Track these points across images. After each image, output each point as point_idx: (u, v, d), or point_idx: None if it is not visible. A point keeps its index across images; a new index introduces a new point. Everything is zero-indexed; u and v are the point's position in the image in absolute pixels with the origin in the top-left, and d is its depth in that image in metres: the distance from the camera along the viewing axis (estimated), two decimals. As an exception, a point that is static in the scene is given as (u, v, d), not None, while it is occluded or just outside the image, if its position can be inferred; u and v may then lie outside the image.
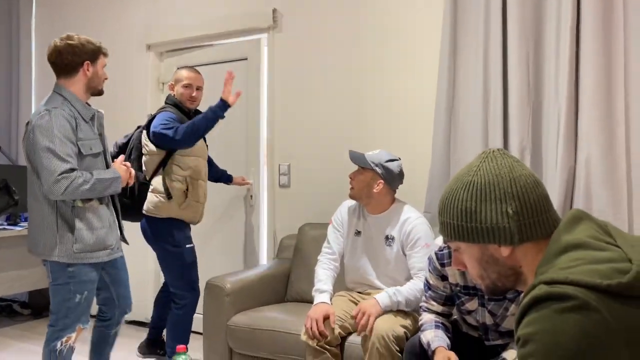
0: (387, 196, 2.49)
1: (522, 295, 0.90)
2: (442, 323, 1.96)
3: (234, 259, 3.62)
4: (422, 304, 2.05)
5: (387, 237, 2.46)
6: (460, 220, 1.03)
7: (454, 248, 1.10)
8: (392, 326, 2.19)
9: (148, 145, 2.87)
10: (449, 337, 1.92)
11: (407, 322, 2.26)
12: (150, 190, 2.86)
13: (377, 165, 2.43)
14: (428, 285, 2.00)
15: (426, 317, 1.99)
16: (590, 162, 2.38)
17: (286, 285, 3.07)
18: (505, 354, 1.84)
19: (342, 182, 2.58)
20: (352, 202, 2.60)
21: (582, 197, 2.37)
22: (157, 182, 2.85)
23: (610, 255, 0.88)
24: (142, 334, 3.48)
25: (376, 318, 2.21)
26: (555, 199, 2.38)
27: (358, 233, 2.54)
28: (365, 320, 2.20)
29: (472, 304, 1.89)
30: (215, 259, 3.66)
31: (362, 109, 3.18)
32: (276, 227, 3.48)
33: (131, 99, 4.01)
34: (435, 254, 1.92)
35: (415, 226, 2.41)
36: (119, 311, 2.47)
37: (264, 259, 3.55)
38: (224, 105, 2.73)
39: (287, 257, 3.18)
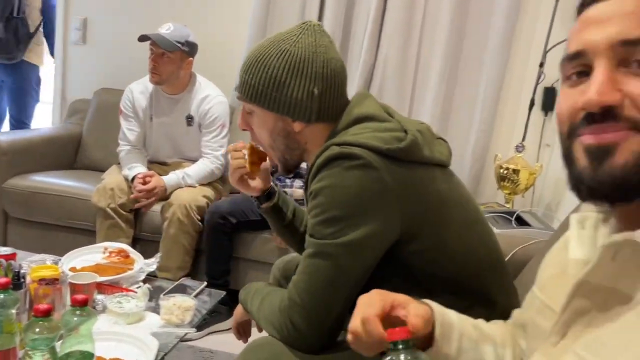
0: (189, 73, 2.37)
1: (317, 155, 1.01)
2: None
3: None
4: None
5: (187, 117, 2.38)
6: (265, 86, 1.05)
7: (247, 109, 1.11)
8: (194, 196, 2.21)
9: None
10: None
11: (209, 192, 2.31)
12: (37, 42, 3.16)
13: (184, 45, 2.25)
14: None
15: None
16: (387, 61, 2.61)
17: (76, 151, 2.84)
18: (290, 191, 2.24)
19: (144, 46, 2.36)
20: (140, 85, 2.40)
21: (376, 90, 2.61)
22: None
23: (391, 126, 1.03)
24: None
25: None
26: (354, 92, 2.57)
27: (154, 117, 2.38)
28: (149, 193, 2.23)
29: None
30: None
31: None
32: (66, 88, 3.12)
33: None
34: None
35: (213, 105, 2.35)
36: None
37: (50, 122, 3.20)
38: None
39: (78, 123, 2.91)
